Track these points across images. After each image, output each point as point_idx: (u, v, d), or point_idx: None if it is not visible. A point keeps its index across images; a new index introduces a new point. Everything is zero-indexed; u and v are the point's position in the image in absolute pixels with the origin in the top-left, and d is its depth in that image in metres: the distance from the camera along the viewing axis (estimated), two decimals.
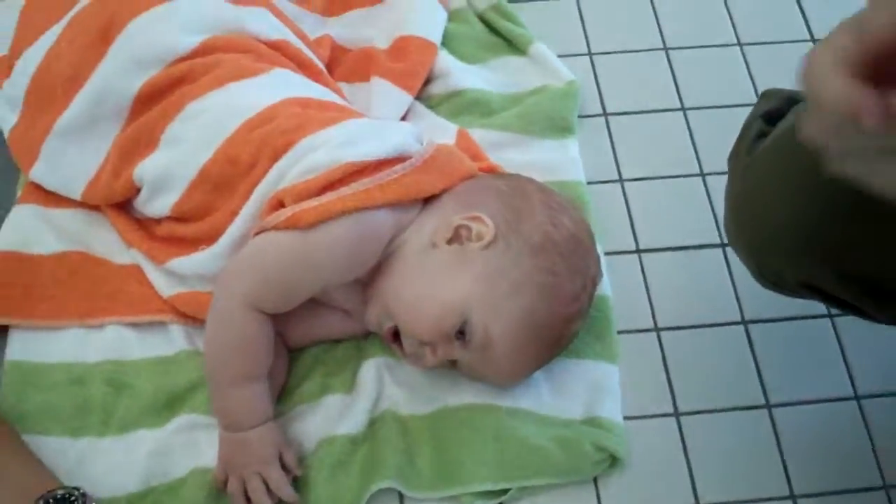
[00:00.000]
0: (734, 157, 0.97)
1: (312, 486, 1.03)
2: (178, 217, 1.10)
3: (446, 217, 1.04)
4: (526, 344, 1.02)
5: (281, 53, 1.18)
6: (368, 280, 1.06)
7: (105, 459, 1.03)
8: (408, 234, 1.05)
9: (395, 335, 1.04)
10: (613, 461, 1.06)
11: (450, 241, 1.03)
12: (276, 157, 1.04)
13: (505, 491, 1.04)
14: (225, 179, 1.07)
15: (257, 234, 1.03)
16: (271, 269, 1.01)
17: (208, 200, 1.08)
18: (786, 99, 0.97)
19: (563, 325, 1.04)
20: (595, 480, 1.07)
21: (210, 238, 1.07)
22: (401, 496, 1.04)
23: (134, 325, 1.11)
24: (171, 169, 1.08)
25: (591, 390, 1.10)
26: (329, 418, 1.07)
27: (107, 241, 1.16)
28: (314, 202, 1.00)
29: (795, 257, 0.88)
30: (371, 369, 1.09)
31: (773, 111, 0.97)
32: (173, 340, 1.11)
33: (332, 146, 1.03)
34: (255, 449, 1.00)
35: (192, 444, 1.04)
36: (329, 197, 1.00)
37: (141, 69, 1.11)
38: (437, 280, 1.02)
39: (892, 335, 1.13)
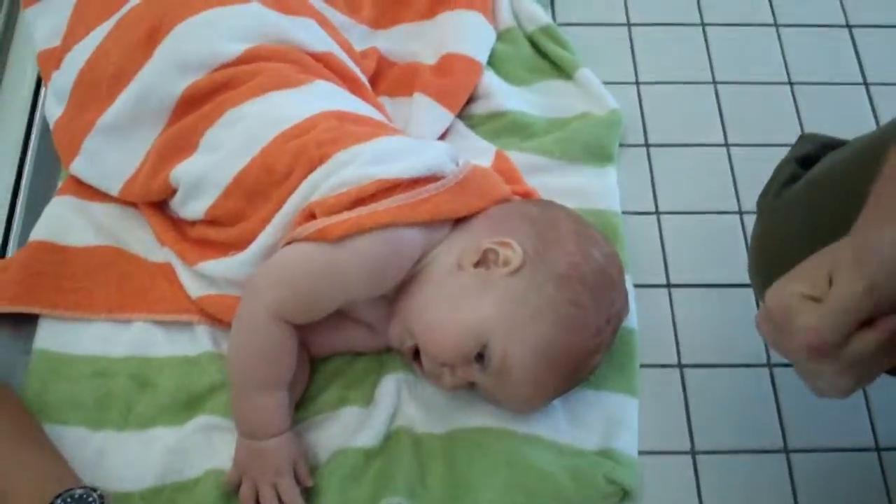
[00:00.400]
0: (763, 198, 0.96)
1: (323, 497, 1.03)
2: (211, 221, 1.12)
3: (475, 240, 1.04)
4: (544, 372, 1.02)
5: (324, 65, 1.19)
6: (393, 296, 1.06)
7: (123, 453, 1.05)
8: (436, 253, 1.06)
9: (416, 354, 1.05)
10: (624, 495, 1.06)
11: (476, 265, 1.03)
12: (310, 169, 1.05)
13: None
14: (259, 188, 1.08)
15: (287, 244, 1.04)
16: (298, 280, 1.02)
17: (241, 207, 1.09)
18: (821, 145, 0.96)
19: (582, 358, 1.03)
20: None
21: (241, 244, 1.08)
22: None
23: (161, 323, 1.13)
24: (207, 174, 1.10)
25: (609, 422, 1.10)
26: (345, 430, 1.07)
27: (141, 239, 1.18)
28: (345, 216, 1.01)
29: None
30: (390, 384, 1.09)
31: (808, 156, 0.96)
32: (198, 341, 1.12)
33: (366, 161, 1.04)
34: (271, 459, 1.01)
35: (208, 445, 1.05)
36: (360, 212, 1.01)
37: (185, 73, 1.12)
38: (460, 303, 1.02)
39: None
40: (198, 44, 1.13)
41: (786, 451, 1.11)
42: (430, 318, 1.02)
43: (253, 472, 1.01)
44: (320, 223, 1.01)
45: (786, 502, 1.08)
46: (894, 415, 1.13)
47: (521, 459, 1.05)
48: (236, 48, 1.13)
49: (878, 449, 1.12)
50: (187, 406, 1.08)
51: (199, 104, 1.12)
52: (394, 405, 1.08)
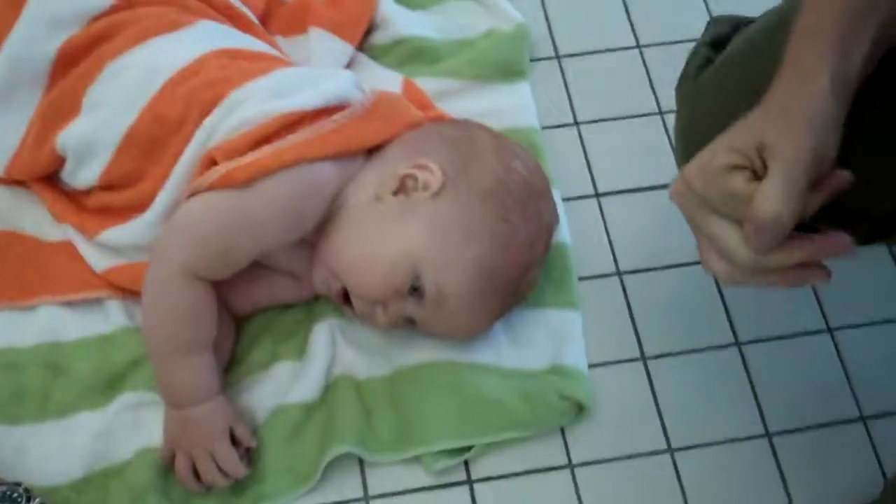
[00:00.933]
0: (680, 86, 0.93)
1: (267, 457, 0.98)
2: (107, 186, 1.04)
3: (392, 167, 0.99)
4: (482, 295, 0.97)
5: (208, 5, 1.11)
6: (314, 240, 1.00)
7: (45, 445, 0.97)
8: (352, 188, 1.00)
9: (346, 296, 0.99)
10: (580, 410, 1.02)
11: (396, 193, 0.98)
12: (204, 113, 0.98)
13: (469, 448, 1.00)
14: (153, 141, 1.00)
15: (190, 196, 0.97)
16: (208, 233, 0.95)
17: (137, 166, 1.01)
18: (732, 26, 0.93)
19: (519, 274, 0.99)
20: (563, 431, 1.02)
21: (142, 206, 1.01)
22: (361, 465, 0.99)
23: (68, 304, 1.05)
24: (95, 135, 1.02)
25: (554, 339, 1.06)
26: (280, 387, 1.02)
27: (35, 219, 1.09)
28: (248, 157, 0.94)
29: None
30: (323, 332, 1.04)
31: (720, 38, 0.92)
32: (111, 317, 1.05)
33: (264, 97, 0.98)
34: (203, 426, 0.95)
35: (137, 424, 0.99)
36: (264, 151, 0.95)
37: (57, 29, 1.04)
38: (384, 235, 0.96)
39: (863, 267, 1.10)
40: None
41: (737, 343, 1.08)
42: (354, 255, 0.97)
43: (186, 444, 0.95)
44: (223, 168, 0.95)
45: (744, 395, 1.05)
46: (842, 296, 1.11)
47: (470, 390, 1.00)
48: None
49: (829, 329, 1.09)
50: (109, 386, 1.01)
51: (77, 62, 1.04)
52: (329, 354, 1.03)
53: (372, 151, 1.02)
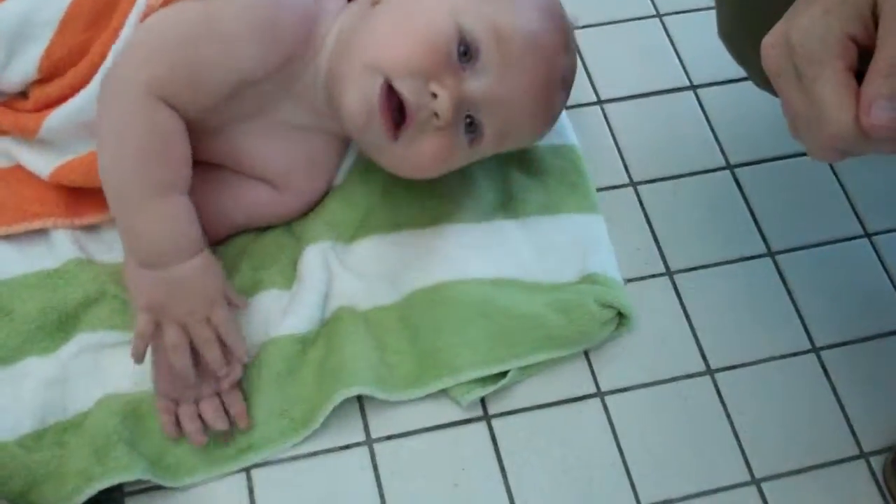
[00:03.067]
0: None
1: (257, 399, 0.85)
2: (48, 76, 0.89)
3: None
4: (541, 30, 0.84)
5: None
6: (325, 77, 0.86)
7: None
8: (341, 20, 0.87)
9: (392, 107, 0.82)
10: (621, 321, 0.91)
11: None
12: None
13: (503, 374, 0.87)
14: (105, 4, 0.87)
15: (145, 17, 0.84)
16: (169, 43, 0.81)
17: (85, 39, 0.87)
18: None
19: (563, 15, 0.88)
20: (588, 357, 0.90)
21: (87, 79, 0.87)
22: (361, 405, 0.86)
23: (7, 239, 0.90)
24: (31, 12, 0.87)
25: (579, 246, 0.94)
26: (266, 318, 0.89)
27: None
28: None
29: None
30: (315, 256, 0.90)
31: None
32: (57, 249, 0.90)
33: None
34: (198, 286, 0.81)
35: (96, 369, 0.86)
36: None
37: None
38: (409, 8, 0.83)
39: (893, 166, 1.01)
40: None
41: (770, 253, 0.97)
42: (388, 31, 0.82)
43: (178, 311, 0.80)
44: None
45: (785, 308, 0.95)
46: (877, 200, 1.02)
47: (496, 307, 0.88)
48: None
49: (867, 234, 1.00)
50: (60, 327, 0.87)
51: None
52: (324, 281, 0.89)
53: None
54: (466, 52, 0.81)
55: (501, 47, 0.82)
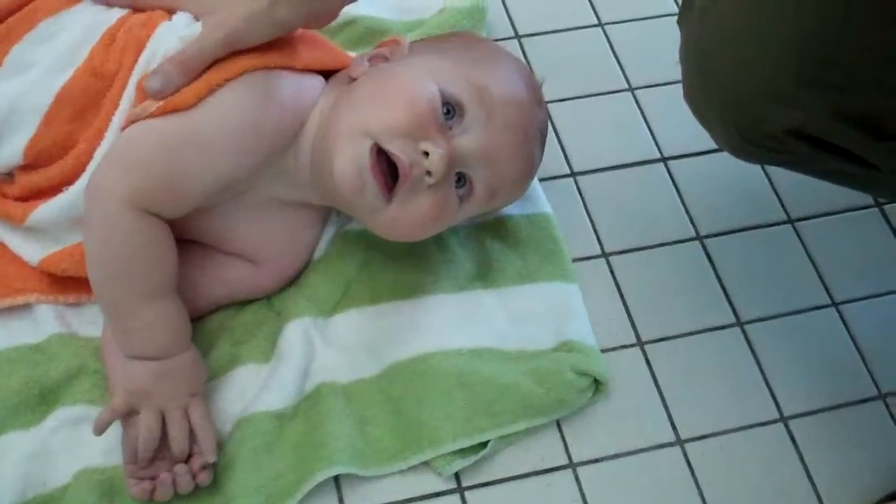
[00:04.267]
0: (685, 11, 0.84)
1: (234, 474, 0.85)
2: (33, 163, 0.91)
3: (352, 63, 0.92)
4: (518, 84, 0.89)
5: None
6: (309, 165, 0.89)
7: None
8: (322, 102, 0.90)
9: (384, 168, 0.84)
10: (597, 387, 0.93)
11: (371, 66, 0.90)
12: (140, 47, 0.88)
13: (483, 444, 0.89)
14: (88, 98, 0.88)
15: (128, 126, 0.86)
16: (148, 155, 0.83)
17: (68, 131, 0.89)
18: None
19: (531, 73, 0.95)
20: (560, 427, 0.92)
21: (75, 175, 0.88)
22: (336, 477, 0.87)
23: None
24: (20, 99, 0.89)
25: (555, 314, 0.97)
26: (243, 393, 0.90)
27: None
28: (191, 86, 0.85)
29: (787, 96, 0.75)
30: (295, 332, 0.92)
31: None
32: (41, 325, 0.92)
33: (203, 21, 0.88)
34: (184, 377, 0.84)
35: (75, 442, 0.87)
36: (205, 75, 0.85)
37: None
38: (388, 78, 0.87)
39: (861, 238, 1.05)
40: None
41: (739, 323, 0.99)
42: (374, 101, 0.85)
43: (160, 398, 0.83)
44: (163, 103, 0.84)
45: (753, 377, 0.97)
46: (843, 269, 1.04)
47: (474, 378, 0.90)
48: None
49: (834, 304, 1.02)
50: (41, 401, 0.88)
51: (1, 20, 0.92)
52: (304, 356, 0.91)
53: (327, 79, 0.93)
54: (450, 111, 0.85)
55: (484, 104, 0.85)
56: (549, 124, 1.08)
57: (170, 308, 0.84)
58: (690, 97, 0.84)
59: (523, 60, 1.17)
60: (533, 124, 0.90)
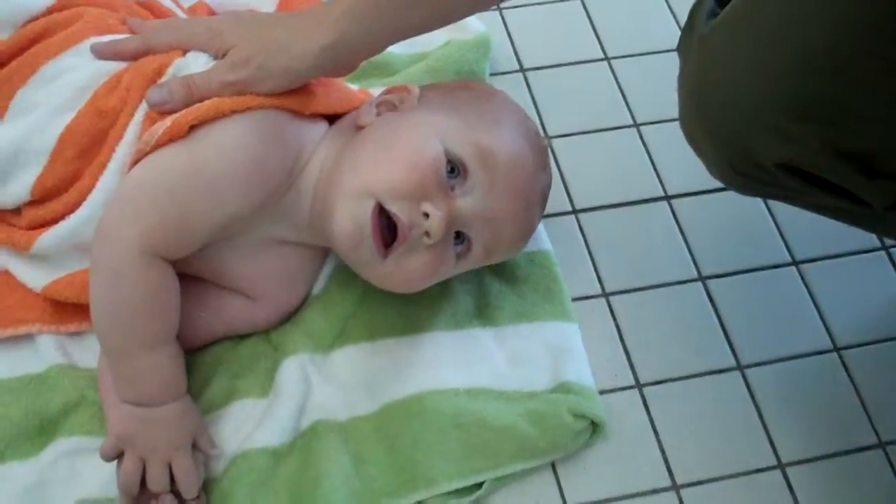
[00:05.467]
0: (685, 39, 0.84)
1: None
2: (40, 199, 0.91)
3: (361, 108, 0.92)
4: (522, 147, 0.89)
5: (151, 13, 1.02)
6: (310, 210, 0.90)
7: None
8: (322, 146, 0.91)
9: (383, 226, 0.85)
10: (594, 430, 0.92)
11: (379, 116, 0.90)
12: (149, 84, 0.89)
13: (479, 485, 0.89)
14: (91, 137, 0.89)
15: (135, 162, 0.86)
16: (160, 197, 0.83)
17: (74, 169, 0.89)
18: None
19: (538, 135, 0.95)
20: (555, 470, 0.92)
21: (78, 204, 0.89)
22: None
23: None
24: (25, 141, 0.89)
25: (553, 354, 0.96)
26: (240, 428, 0.90)
27: None
28: (196, 105, 0.85)
29: (779, 129, 0.75)
30: (292, 369, 0.92)
31: None
32: (43, 355, 0.92)
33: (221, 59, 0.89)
34: (168, 429, 0.84)
35: (73, 475, 0.87)
36: (213, 100, 0.85)
37: None
38: (393, 133, 0.87)
39: (865, 281, 1.04)
40: None
41: (739, 367, 0.99)
42: (375, 156, 0.86)
43: (142, 446, 0.83)
44: (168, 120, 0.84)
45: (752, 423, 0.96)
46: (846, 314, 1.03)
47: (471, 418, 0.90)
48: None
49: (836, 349, 1.01)
50: (41, 432, 0.89)
51: (4, 65, 0.92)
52: (301, 392, 0.91)
53: (332, 123, 0.94)
54: (454, 170, 0.85)
55: (488, 167, 0.85)
56: (552, 160, 1.09)
57: (166, 358, 0.85)
58: (685, 125, 0.84)
59: (528, 95, 1.17)
60: (535, 189, 0.91)
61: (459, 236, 0.88)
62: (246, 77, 0.85)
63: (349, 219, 0.84)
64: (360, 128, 0.90)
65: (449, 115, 0.88)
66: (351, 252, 0.87)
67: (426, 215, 0.83)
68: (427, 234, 0.84)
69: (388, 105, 0.91)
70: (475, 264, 0.92)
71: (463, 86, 0.96)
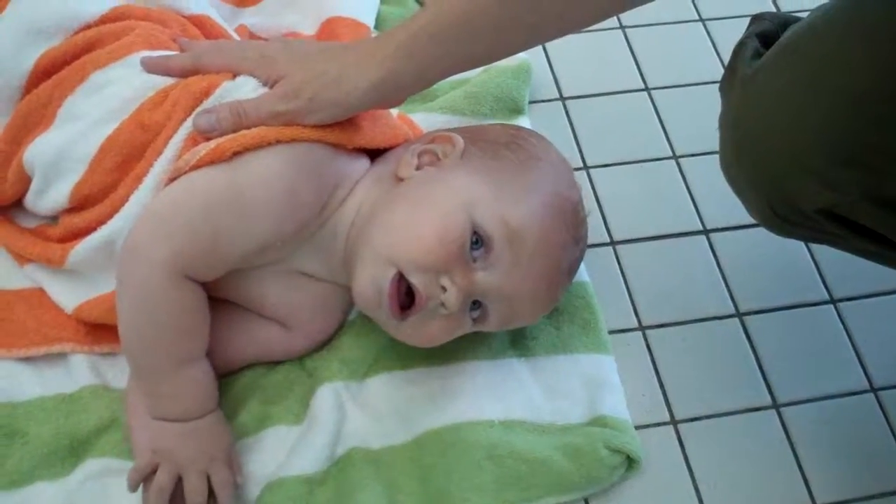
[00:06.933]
0: (728, 79, 0.84)
1: None
2: (78, 207, 0.92)
3: (404, 155, 0.91)
4: (552, 223, 0.87)
5: (200, 30, 1.03)
6: (343, 251, 0.90)
7: None
8: (361, 187, 0.91)
9: (401, 294, 0.85)
10: (630, 465, 0.91)
11: (419, 168, 0.89)
12: (194, 104, 0.89)
13: None
14: (132, 148, 0.90)
15: (171, 180, 0.86)
16: (193, 217, 0.83)
17: (113, 179, 0.90)
18: (780, 23, 0.84)
19: (579, 209, 0.92)
20: (586, 502, 0.90)
21: (111, 217, 0.90)
22: None
23: (26, 361, 0.93)
24: (68, 147, 0.91)
25: (589, 388, 0.96)
26: (274, 455, 0.89)
27: None
28: (242, 132, 0.85)
29: (820, 175, 0.75)
30: (327, 396, 0.92)
31: (768, 33, 0.84)
32: (75, 375, 0.93)
33: (261, 86, 0.90)
34: (206, 442, 0.84)
35: (103, 496, 0.86)
36: (260, 128, 0.86)
37: (38, 41, 0.93)
38: (425, 198, 0.86)
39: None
40: (52, 4, 0.94)
41: (776, 406, 0.98)
42: (403, 223, 0.85)
43: (180, 459, 0.83)
44: (213, 143, 0.85)
45: (787, 462, 0.95)
46: (886, 355, 1.02)
47: (505, 450, 0.89)
48: (99, 6, 0.95)
49: (873, 390, 1.00)
50: (71, 452, 0.89)
51: (55, 72, 0.93)
52: (336, 421, 0.90)
53: (374, 158, 0.94)
54: (478, 241, 0.84)
55: (513, 245, 0.85)
56: (591, 193, 1.09)
57: (197, 374, 0.85)
58: (726, 166, 0.84)
59: (567, 123, 1.16)
60: (561, 268, 0.90)
61: (477, 304, 0.87)
62: (295, 108, 0.86)
63: (370, 283, 0.85)
64: (399, 179, 0.89)
65: (485, 183, 0.86)
66: (370, 311, 0.89)
67: (444, 288, 0.84)
68: (443, 304, 0.84)
69: (431, 156, 0.90)
70: (493, 330, 0.92)
71: (510, 142, 0.92)
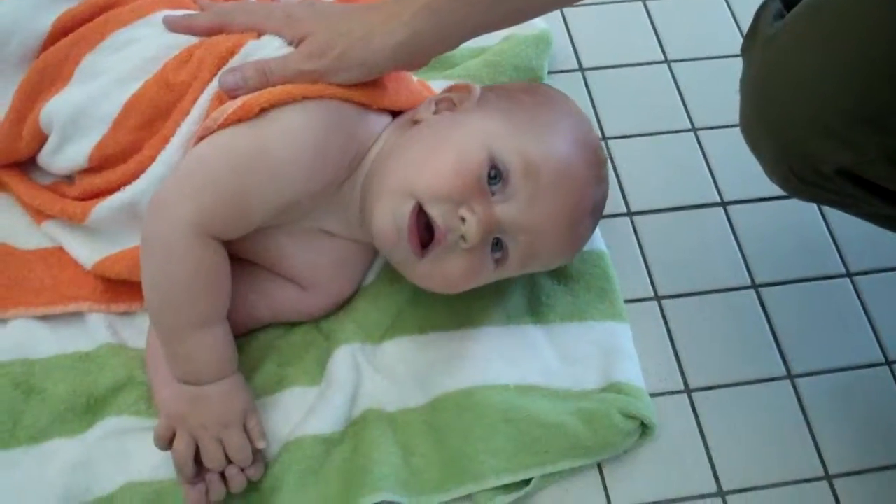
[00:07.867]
0: (749, 40, 0.83)
1: (279, 497, 0.86)
2: (97, 167, 0.92)
3: (423, 105, 0.92)
4: (575, 160, 0.87)
5: None
6: (360, 193, 0.90)
7: (14, 475, 0.86)
8: (383, 140, 0.91)
9: (420, 228, 0.85)
10: (644, 431, 0.92)
11: (436, 113, 0.90)
12: (220, 64, 0.89)
13: (526, 482, 0.88)
14: (156, 108, 0.90)
15: (200, 139, 0.86)
16: (221, 179, 0.83)
17: (135, 138, 0.90)
18: None
19: (600, 154, 0.92)
20: (601, 471, 0.91)
21: (137, 175, 0.89)
22: None
23: (44, 319, 0.93)
24: (89, 106, 0.90)
25: (604, 354, 0.96)
26: (290, 415, 0.90)
27: (10, 223, 0.98)
28: (268, 89, 0.85)
29: (838, 133, 0.74)
30: (345, 358, 0.92)
31: None
32: (93, 333, 0.93)
33: (286, 45, 0.90)
34: (218, 407, 0.84)
35: (121, 454, 0.87)
36: (287, 85, 0.86)
37: (55, 2, 0.93)
38: (443, 135, 0.87)
39: None
40: None
41: (790, 376, 0.98)
42: (421, 157, 0.85)
43: (193, 424, 0.83)
44: (239, 101, 0.85)
45: (801, 433, 0.95)
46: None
47: (521, 413, 0.89)
48: None
49: (888, 362, 0.99)
50: (88, 410, 0.90)
51: (73, 30, 0.93)
52: (353, 382, 0.91)
53: (395, 117, 0.94)
54: (496, 175, 0.84)
55: (530, 177, 0.84)
56: (610, 165, 1.08)
57: (217, 336, 0.85)
58: (745, 127, 0.84)
59: (587, 94, 1.16)
60: (584, 202, 0.89)
61: (498, 243, 0.87)
62: (321, 67, 0.86)
63: (389, 217, 0.85)
64: (416, 122, 0.89)
65: (503, 121, 0.87)
66: (389, 250, 0.87)
67: (463, 219, 0.83)
68: (463, 237, 0.84)
69: (448, 102, 0.91)
70: (514, 272, 0.91)
71: (527, 89, 0.94)
